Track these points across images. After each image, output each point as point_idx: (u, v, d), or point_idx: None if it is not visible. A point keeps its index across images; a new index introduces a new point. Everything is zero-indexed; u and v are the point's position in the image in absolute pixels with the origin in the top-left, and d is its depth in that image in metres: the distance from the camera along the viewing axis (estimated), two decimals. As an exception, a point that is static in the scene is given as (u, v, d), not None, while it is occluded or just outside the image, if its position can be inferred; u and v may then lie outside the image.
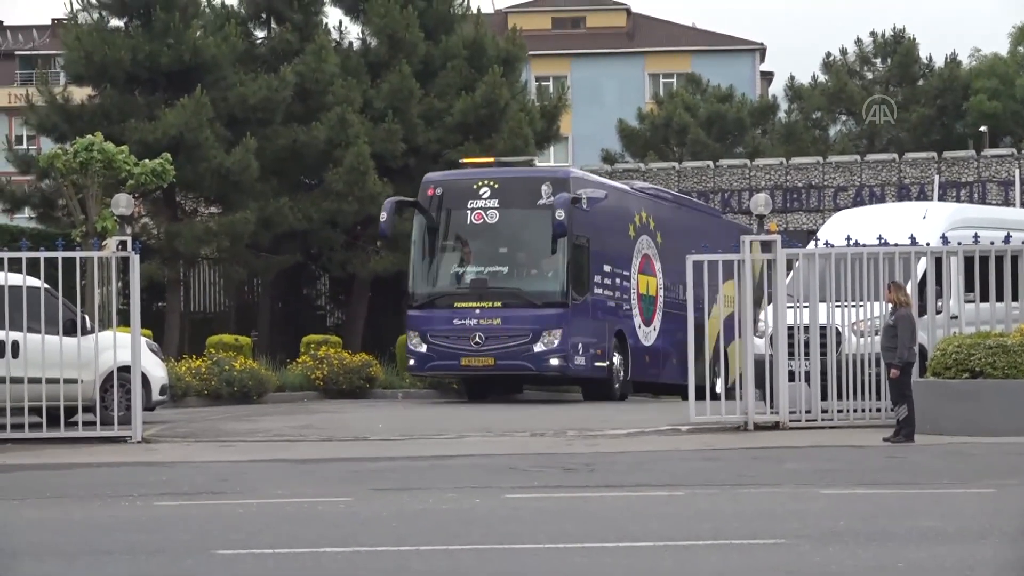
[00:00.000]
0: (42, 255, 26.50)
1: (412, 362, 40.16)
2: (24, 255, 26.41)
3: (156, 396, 29.75)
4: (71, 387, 26.73)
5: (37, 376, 26.34)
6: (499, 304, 39.03)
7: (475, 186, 39.84)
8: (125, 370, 27.19)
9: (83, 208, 41.51)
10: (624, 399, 40.95)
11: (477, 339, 38.64)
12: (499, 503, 17.98)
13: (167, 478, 20.99)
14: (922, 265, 28.11)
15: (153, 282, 44.12)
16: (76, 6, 53.30)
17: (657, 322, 43.95)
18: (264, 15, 53.12)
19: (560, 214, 37.20)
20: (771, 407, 27.43)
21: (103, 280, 28.70)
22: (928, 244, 28.39)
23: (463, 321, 38.92)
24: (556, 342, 38.59)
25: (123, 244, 26.95)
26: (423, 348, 39.31)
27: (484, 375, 40.64)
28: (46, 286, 26.65)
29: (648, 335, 43.57)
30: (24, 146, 58.15)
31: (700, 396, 28.06)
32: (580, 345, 39.42)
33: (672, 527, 15.04)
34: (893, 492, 18.73)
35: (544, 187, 39.17)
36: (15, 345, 26.22)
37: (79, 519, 17.49)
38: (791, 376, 27.40)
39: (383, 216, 40.03)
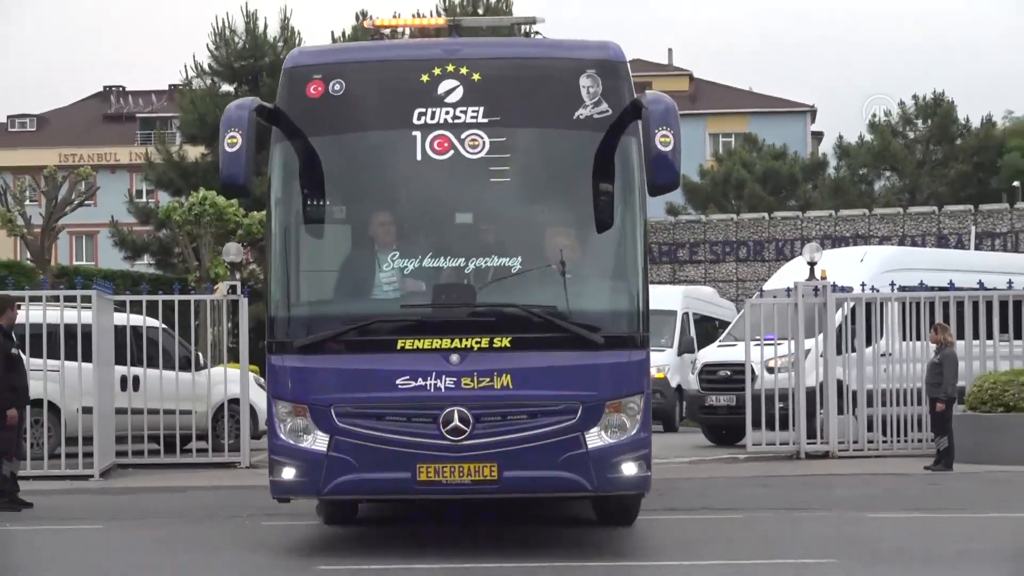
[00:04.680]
0: (160, 298, 26.61)
1: (287, 473, 14.89)
2: (145, 298, 26.56)
3: (262, 426, 29.71)
4: (186, 417, 26.82)
5: (156, 407, 26.42)
6: (505, 342, 14.65)
7: (424, 76, 15.09)
8: (235, 402, 27.26)
9: (197, 255, 41.84)
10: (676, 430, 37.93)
11: (454, 422, 14.44)
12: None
13: (273, 501, 20.96)
14: (849, 307, 27.69)
15: (260, 322, 43.85)
16: (191, 73, 54.05)
17: None
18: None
19: (664, 138, 14.10)
20: (821, 438, 27.26)
21: (215, 321, 28.79)
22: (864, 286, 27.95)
23: (421, 381, 14.60)
24: (634, 425, 14.84)
25: (233, 288, 27.09)
26: (314, 442, 14.75)
27: (471, 500, 15.85)
28: (164, 326, 26.79)
29: None
30: (144, 199, 58.36)
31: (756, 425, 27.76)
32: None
33: (733, 548, 14.97)
34: (935, 516, 18.60)
35: (585, 79, 14.97)
36: (136, 379, 26.34)
37: (193, 537, 17.55)
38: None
39: (231, 140, 14.52)
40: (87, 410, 24.76)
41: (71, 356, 25.13)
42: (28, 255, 44.84)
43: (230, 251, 37.71)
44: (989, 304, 27.46)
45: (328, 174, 15.10)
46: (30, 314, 23.83)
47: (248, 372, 27.26)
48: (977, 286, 27.53)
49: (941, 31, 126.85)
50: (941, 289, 27.44)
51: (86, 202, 46.91)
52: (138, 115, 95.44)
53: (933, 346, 25.40)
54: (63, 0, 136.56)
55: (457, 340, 14.39)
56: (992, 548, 15.97)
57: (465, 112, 14.76)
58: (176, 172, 52.30)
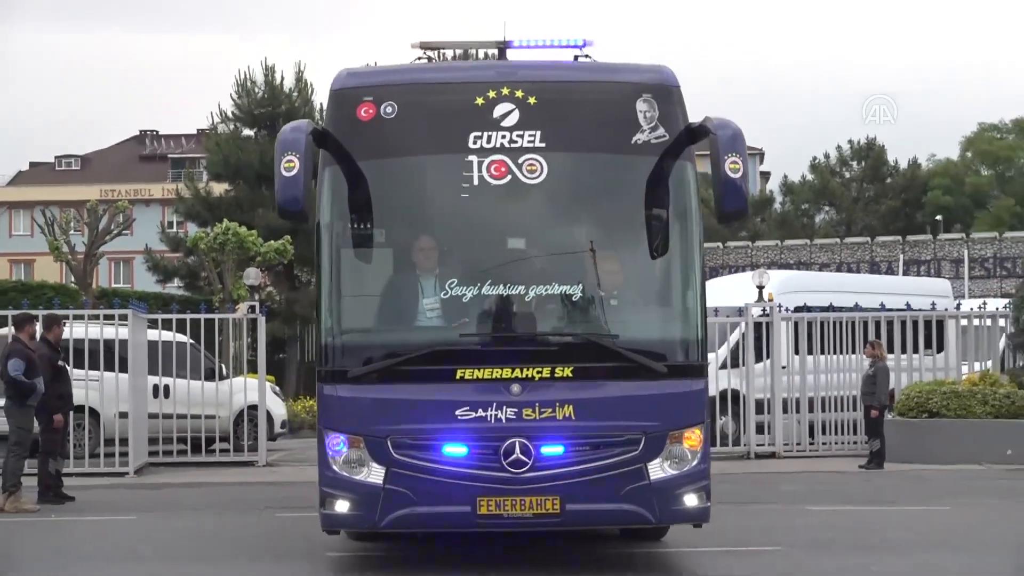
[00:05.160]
0: (188, 317, 26.60)
1: (340, 506, 12.76)
2: (174, 316, 26.51)
3: (278, 429, 29.89)
4: (210, 422, 26.86)
5: (183, 413, 26.38)
6: (567, 372, 12.66)
7: (478, 99, 13.03)
8: (253, 408, 27.28)
9: (220, 279, 41.80)
10: None
11: (516, 454, 12.48)
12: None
13: (286, 495, 20.96)
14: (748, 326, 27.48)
15: (275, 338, 44.11)
16: (216, 119, 54.06)
17: None
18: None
19: (734, 164, 12.76)
20: (769, 439, 27.24)
21: (236, 336, 28.78)
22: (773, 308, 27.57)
23: (481, 412, 12.60)
24: (695, 456, 13.04)
25: (252, 308, 27.04)
26: (369, 474, 12.69)
27: (531, 532, 13.60)
28: (191, 341, 26.78)
29: None
30: (174, 230, 58.30)
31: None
32: None
33: (689, 537, 14.94)
34: (868, 509, 18.58)
35: (641, 103, 13.04)
36: (167, 387, 26.30)
37: (216, 527, 17.52)
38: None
39: (288, 164, 12.28)
40: (123, 415, 24.79)
41: (109, 367, 25.13)
42: (72, 279, 44.76)
43: (250, 275, 37.74)
44: (877, 322, 27.50)
45: (381, 199, 12.96)
46: (74, 330, 23.77)
47: (265, 382, 27.31)
48: (853, 306, 27.79)
49: (874, 83, 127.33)
50: (843, 309, 27.56)
51: (123, 232, 46.83)
52: (170, 156, 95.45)
53: (867, 360, 25.47)
54: (103, 54, 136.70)
55: (518, 370, 12.49)
56: (918, 538, 16.00)
57: (522, 136, 12.77)
58: (203, 206, 52.34)
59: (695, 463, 12.77)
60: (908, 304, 28.22)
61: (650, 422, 12.57)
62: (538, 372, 12.47)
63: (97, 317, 26.01)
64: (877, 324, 27.33)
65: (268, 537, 16.50)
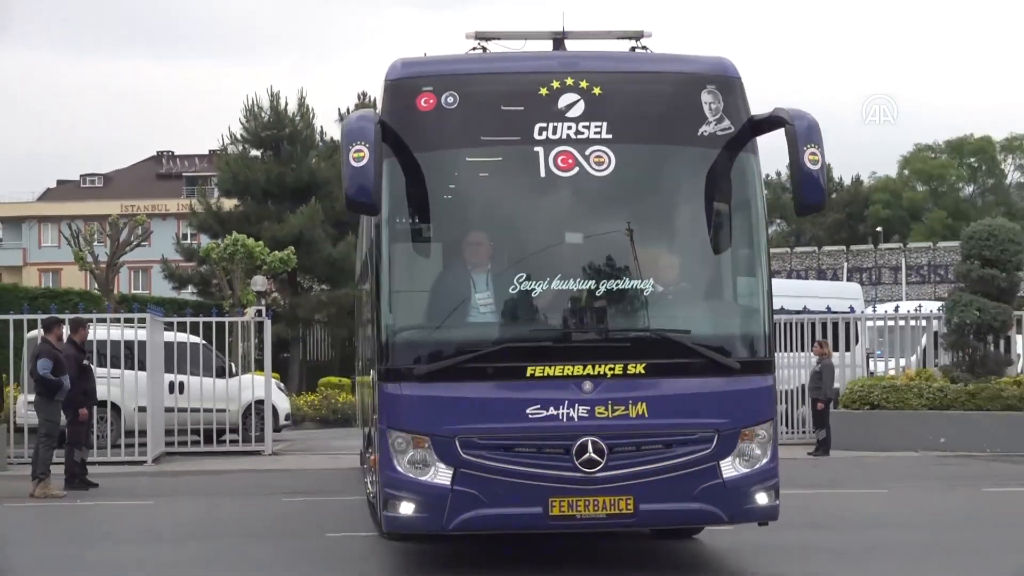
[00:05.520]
0: (201, 320, 26.63)
1: (405, 508, 11.25)
2: (188, 320, 26.53)
3: (282, 421, 29.93)
4: (221, 415, 26.89)
5: (196, 407, 26.41)
6: (640, 369, 11.30)
7: (542, 89, 11.56)
8: (260, 403, 27.26)
9: (230, 286, 41.79)
10: None
11: (588, 453, 11.06)
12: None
13: (291, 481, 20.99)
14: None
15: (280, 339, 44.12)
16: (226, 140, 54.04)
17: None
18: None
19: (813, 156, 11.34)
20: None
21: (244, 337, 28.77)
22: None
23: (553, 410, 11.17)
24: (765, 453, 11.60)
25: (259, 312, 27.25)
26: (436, 475, 11.21)
27: (605, 532, 13.11)
28: (204, 342, 26.79)
29: None
30: (188, 241, 58.26)
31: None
32: None
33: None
34: (815, 492, 18.63)
35: (706, 94, 11.65)
36: (181, 384, 26.30)
37: (226, 510, 17.53)
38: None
39: (357, 153, 10.77)
40: (142, 409, 24.75)
41: (129, 366, 25.13)
42: (96, 286, 44.68)
43: (257, 282, 37.81)
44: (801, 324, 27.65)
45: (444, 191, 11.63)
46: (98, 332, 23.77)
47: (271, 379, 27.33)
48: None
49: (820, 107, 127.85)
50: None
51: (142, 243, 46.73)
52: (184, 174, 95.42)
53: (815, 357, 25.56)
54: (124, 82, 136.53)
55: (590, 367, 11.09)
56: (857, 516, 16.10)
57: (588, 127, 11.34)
58: (214, 219, 52.30)
59: (766, 460, 11.47)
60: (828, 307, 28.44)
61: (722, 419, 11.28)
62: (610, 369, 11.12)
63: (118, 320, 26.02)
64: (813, 325, 27.52)
65: (274, 519, 16.51)
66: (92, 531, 15.84)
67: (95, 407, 21.29)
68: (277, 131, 52.88)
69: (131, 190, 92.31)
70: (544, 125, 11.33)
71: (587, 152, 11.29)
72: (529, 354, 11.14)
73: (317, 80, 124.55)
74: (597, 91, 11.46)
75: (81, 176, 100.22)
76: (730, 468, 11.27)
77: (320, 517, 16.41)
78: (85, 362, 20.37)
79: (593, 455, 10.92)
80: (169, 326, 26.56)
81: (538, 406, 11.00)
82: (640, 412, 11.10)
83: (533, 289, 11.20)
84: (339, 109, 54.69)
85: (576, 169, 11.28)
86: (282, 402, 30.33)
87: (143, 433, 24.63)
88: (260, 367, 27.55)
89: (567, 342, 11.28)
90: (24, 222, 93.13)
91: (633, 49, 12.41)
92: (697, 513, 11.40)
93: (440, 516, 11.05)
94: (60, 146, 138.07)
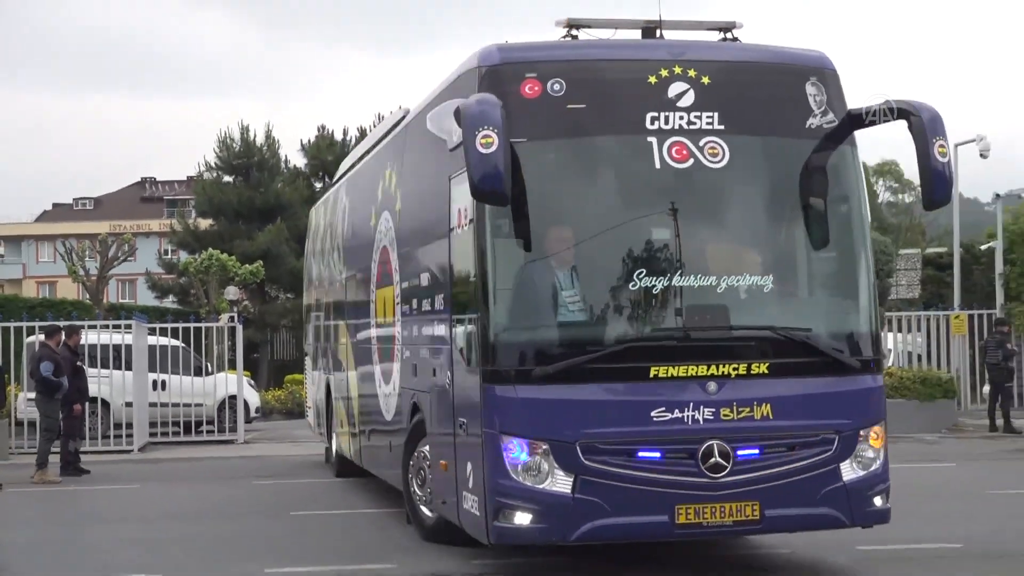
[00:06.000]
0: (180, 325, 26.45)
1: (521, 518, 9.40)
2: (169, 325, 26.36)
3: (253, 414, 29.78)
4: (198, 409, 26.68)
5: (177, 401, 26.23)
6: (763, 368, 9.64)
7: (651, 78, 9.82)
8: (233, 398, 27.14)
9: (206, 295, 41.56)
10: None
11: (714, 457, 9.41)
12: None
13: (260, 466, 20.91)
14: None
15: (251, 341, 43.81)
16: (202, 168, 53.81)
17: None
18: (321, 172, 53.22)
19: (942, 148, 9.48)
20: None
21: (219, 340, 28.59)
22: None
23: (678, 412, 9.45)
24: (879, 455, 9.98)
25: (232, 318, 27.07)
26: (555, 483, 9.35)
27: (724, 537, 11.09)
28: (183, 344, 26.63)
29: None
30: (169, 256, 57.87)
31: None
32: None
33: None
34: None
35: (810, 86, 10.08)
36: (163, 382, 26.14)
37: (205, 492, 17.45)
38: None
39: (486, 139, 8.84)
40: (129, 404, 24.60)
41: (118, 366, 24.96)
42: (87, 296, 44.36)
43: (230, 292, 37.60)
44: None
45: (555, 182, 9.79)
46: (89, 337, 23.58)
47: (243, 376, 27.23)
48: None
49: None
50: None
51: (128, 259, 46.43)
52: (165, 197, 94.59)
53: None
54: (114, 115, 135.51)
55: (714, 367, 9.48)
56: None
57: (700, 118, 9.70)
58: (192, 237, 52.08)
59: (880, 462, 9.94)
60: None
61: (843, 420, 9.74)
62: (734, 369, 9.52)
63: (108, 327, 25.89)
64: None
65: (246, 500, 16.43)
66: (85, 513, 15.72)
67: (87, 403, 21.13)
68: (247, 159, 52.73)
69: (118, 211, 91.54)
70: (656, 115, 9.68)
71: (701, 143, 9.70)
72: (652, 354, 9.47)
73: (281, 115, 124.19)
74: (706, 80, 9.82)
75: (74, 199, 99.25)
76: (849, 470, 9.76)
77: (286, 498, 16.37)
78: (78, 363, 20.22)
79: (719, 459, 9.36)
80: (152, 331, 26.37)
81: (663, 408, 9.38)
82: (764, 414, 9.55)
83: (654, 285, 9.51)
84: (301, 140, 54.73)
85: (691, 161, 9.66)
86: (252, 397, 30.22)
87: (130, 425, 24.44)
88: (233, 366, 27.40)
89: (690, 341, 9.57)
90: (23, 240, 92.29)
91: (723, 40, 10.69)
92: (821, 518, 9.80)
93: (562, 526, 9.33)
94: (55, 173, 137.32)
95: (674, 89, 9.77)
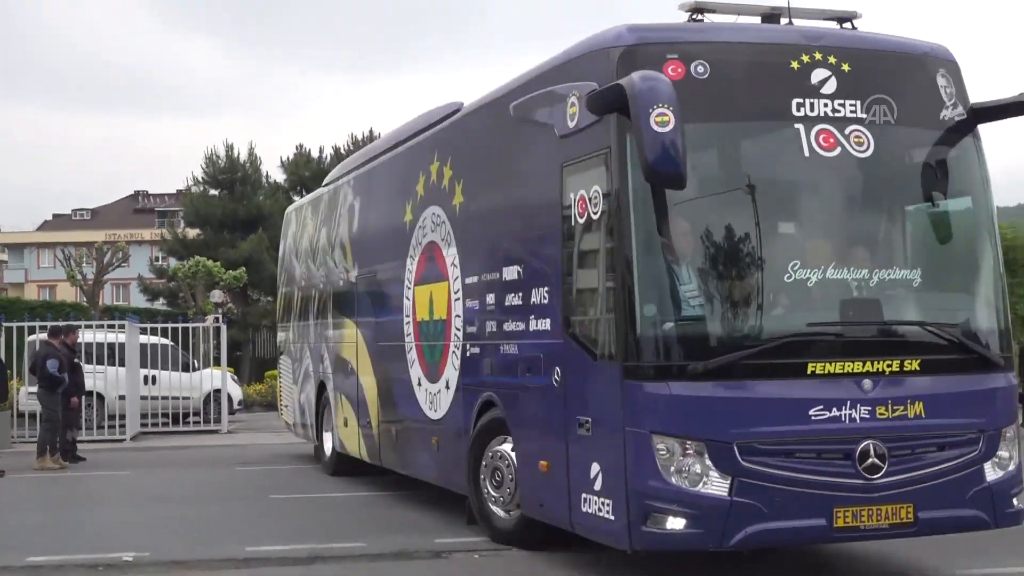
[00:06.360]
0: (170, 326, 26.29)
1: (674, 523, 8.04)
2: (160, 325, 26.21)
3: (235, 406, 29.60)
4: (186, 402, 26.57)
5: (166, 395, 26.11)
6: (915, 365, 8.40)
7: (793, 63, 8.56)
8: (217, 391, 27.02)
9: (193, 298, 41.36)
10: None
11: (871, 458, 8.17)
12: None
13: (242, 454, 20.82)
14: None
15: (234, 340, 43.50)
16: (191, 182, 53.67)
17: None
18: (299, 187, 53.08)
19: None
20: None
21: (205, 340, 28.44)
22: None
23: (835, 411, 8.14)
24: (1014, 454, 8.78)
25: (217, 319, 26.89)
26: (710, 485, 7.98)
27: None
28: (172, 343, 26.46)
29: None
30: (160, 263, 57.43)
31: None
32: None
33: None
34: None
35: (940, 78, 9.01)
36: (154, 377, 25.97)
37: (191, 477, 17.33)
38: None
39: (662, 118, 7.60)
40: (122, 397, 24.44)
41: (112, 363, 24.78)
42: (84, 299, 44.01)
43: (215, 295, 37.33)
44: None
45: (704, 169, 8.45)
46: (86, 336, 23.41)
47: (226, 372, 27.13)
48: None
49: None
50: None
51: (122, 265, 46.14)
52: (156, 209, 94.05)
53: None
54: (110, 134, 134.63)
55: (868, 363, 8.34)
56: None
57: (843, 105, 8.62)
58: (180, 245, 51.77)
59: (1016, 462, 8.86)
60: None
61: (986, 419, 8.70)
62: (888, 366, 8.40)
63: (103, 327, 25.68)
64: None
65: (229, 485, 16.32)
66: (80, 497, 15.57)
67: (83, 396, 20.96)
68: (231, 175, 52.52)
69: (113, 222, 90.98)
70: (801, 101, 8.56)
71: (846, 131, 8.61)
72: (809, 349, 8.28)
73: (263, 134, 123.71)
74: (846, 68, 8.72)
75: (72, 210, 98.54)
76: (991, 471, 8.67)
77: (266, 483, 16.28)
78: (76, 360, 20.12)
79: (875, 460, 8.25)
80: (144, 331, 26.22)
81: (820, 407, 8.20)
82: (917, 412, 8.42)
83: (808, 278, 8.33)
84: (281, 157, 54.57)
85: (838, 149, 8.55)
86: (235, 391, 30.06)
87: (123, 417, 24.30)
88: (217, 363, 27.26)
89: (846, 336, 8.45)
90: (26, 248, 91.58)
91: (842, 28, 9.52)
92: (970, 520, 8.66)
93: (718, 531, 8.05)
94: (56, 185, 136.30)
95: (816, 75, 8.65)
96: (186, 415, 26.89)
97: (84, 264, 44.25)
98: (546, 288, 9.44)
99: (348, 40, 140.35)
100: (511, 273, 10.14)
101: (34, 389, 19.86)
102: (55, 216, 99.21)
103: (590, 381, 8.70)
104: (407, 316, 12.87)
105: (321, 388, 16.84)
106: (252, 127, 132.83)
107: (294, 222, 19.53)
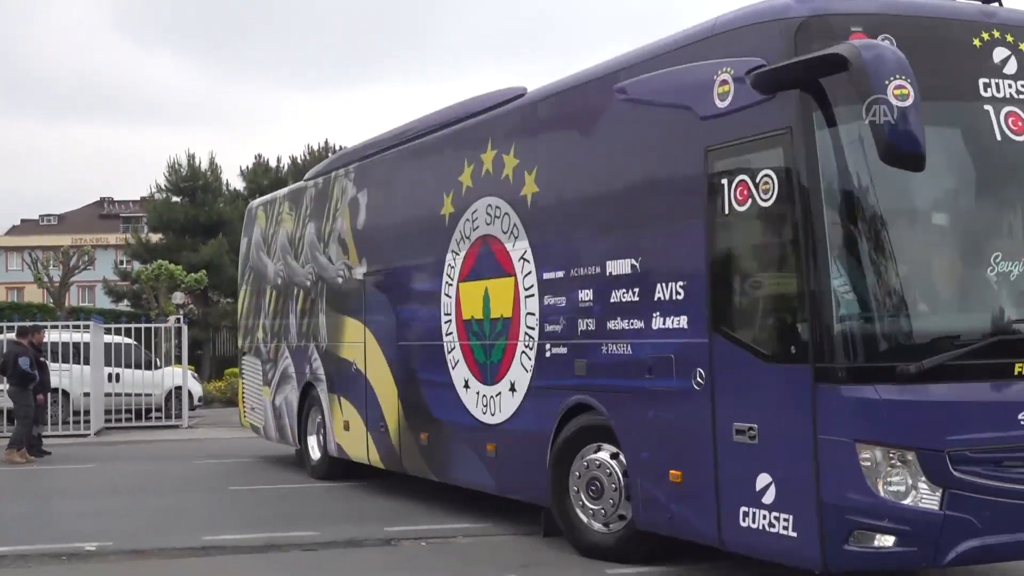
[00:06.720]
0: (133, 326, 26.07)
1: (883, 540, 6.84)
2: (123, 326, 25.98)
3: (196, 403, 29.34)
4: (148, 398, 26.37)
5: (129, 392, 25.87)
6: None
7: (975, 40, 7.30)
8: (178, 388, 26.83)
9: (156, 300, 40.98)
10: None
11: None
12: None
13: (202, 448, 20.70)
14: None
15: (195, 340, 43.11)
16: (154, 189, 53.27)
17: None
18: (257, 194, 52.67)
19: None
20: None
21: (167, 339, 28.22)
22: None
23: None
24: None
25: (178, 319, 26.68)
26: (921, 498, 6.77)
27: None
28: (135, 342, 26.23)
29: None
30: (124, 266, 56.85)
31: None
32: None
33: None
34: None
35: None
36: (117, 375, 25.73)
37: (155, 470, 17.19)
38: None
39: (901, 90, 6.44)
40: (87, 394, 24.18)
41: (77, 361, 24.53)
42: (51, 300, 43.54)
43: (177, 297, 36.99)
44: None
45: None
46: (52, 336, 23.16)
47: (187, 370, 26.99)
48: None
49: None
50: None
51: (87, 268, 45.75)
52: (121, 215, 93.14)
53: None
54: (77, 143, 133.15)
55: None
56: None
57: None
58: (144, 249, 51.38)
59: None
60: None
61: None
62: None
63: (68, 327, 25.40)
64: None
65: (189, 477, 16.19)
66: (46, 489, 15.39)
67: (49, 393, 20.73)
68: (193, 182, 52.24)
69: (79, 227, 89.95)
70: (987, 81, 7.47)
71: None
72: (1017, 348, 7.16)
73: (224, 144, 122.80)
74: (1023, 47, 7.62)
75: (40, 215, 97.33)
76: None
77: (225, 475, 16.19)
78: (42, 359, 19.91)
79: None
80: (108, 331, 25.97)
81: None
82: None
83: (1011, 271, 7.24)
84: (240, 166, 54.22)
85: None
86: (196, 388, 29.79)
87: (87, 412, 24.04)
88: (178, 361, 27.07)
89: None
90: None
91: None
92: None
93: (931, 549, 6.96)
94: (24, 192, 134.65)
95: (998, 54, 7.56)
96: (148, 411, 26.67)
97: (51, 267, 43.79)
98: (680, 283, 8.17)
99: (306, 59, 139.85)
100: (620, 267, 8.79)
101: (6, 387, 19.64)
102: (23, 221, 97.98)
103: (757, 384, 7.44)
104: (447, 314, 11.29)
105: (307, 390, 15.05)
106: (214, 138, 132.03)
107: (263, 217, 17.46)
